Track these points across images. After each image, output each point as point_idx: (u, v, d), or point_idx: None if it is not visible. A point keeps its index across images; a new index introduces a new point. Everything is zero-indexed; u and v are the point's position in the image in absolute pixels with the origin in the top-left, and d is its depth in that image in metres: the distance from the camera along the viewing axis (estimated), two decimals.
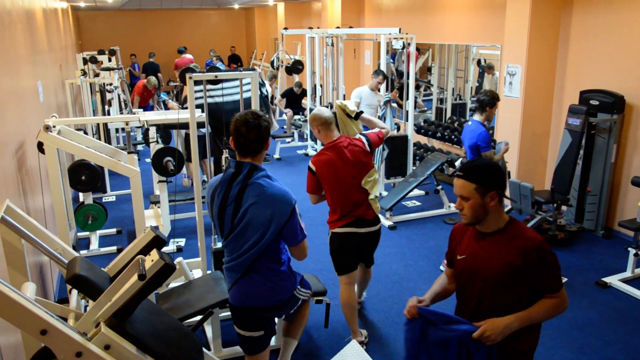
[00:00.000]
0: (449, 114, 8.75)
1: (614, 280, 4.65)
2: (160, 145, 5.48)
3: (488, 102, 4.53)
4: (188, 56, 14.81)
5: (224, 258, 2.73)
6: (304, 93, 10.12)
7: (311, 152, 9.53)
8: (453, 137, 7.96)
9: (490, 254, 2.13)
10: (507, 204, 5.56)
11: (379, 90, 6.93)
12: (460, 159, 7.50)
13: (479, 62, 8.71)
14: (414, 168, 6.81)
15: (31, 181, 4.04)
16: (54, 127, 3.85)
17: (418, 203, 6.76)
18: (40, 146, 4.00)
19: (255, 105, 3.92)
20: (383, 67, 6.97)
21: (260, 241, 2.56)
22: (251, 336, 2.80)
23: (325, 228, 6.03)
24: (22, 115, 4.08)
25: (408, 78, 6.89)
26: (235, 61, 17.49)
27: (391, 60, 9.65)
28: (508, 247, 2.09)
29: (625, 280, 4.65)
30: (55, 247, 2.54)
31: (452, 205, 6.49)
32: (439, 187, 6.41)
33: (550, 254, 2.07)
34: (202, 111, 4.45)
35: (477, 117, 4.62)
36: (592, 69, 5.79)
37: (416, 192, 6.89)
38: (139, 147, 9.31)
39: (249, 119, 2.51)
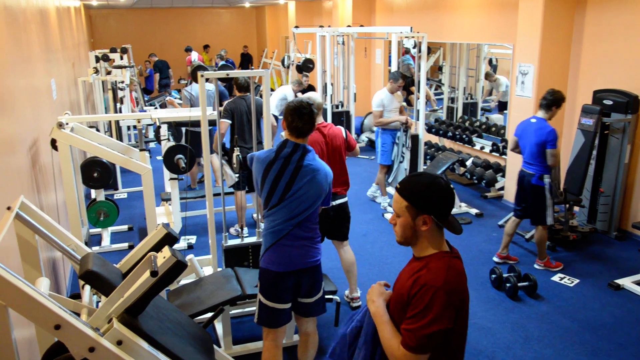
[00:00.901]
0: (460, 113, 8.71)
1: (627, 282, 4.60)
2: (172, 143, 5.50)
3: (554, 101, 4.59)
4: (195, 54, 14.84)
5: (268, 224, 2.93)
6: (311, 88, 10.08)
7: None
8: (464, 136, 7.92)
9: (404, 279, 1.91)
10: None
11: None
12: (472, 158, 7.48)
13: (490, 61, 8.68)
14: (425, 167, 6.78)
15: (44, 178, 4.07)
16: (67, 124, 3.88)
17: None
18: (53, 143, 4.04)
19: (267, 103, 3.92)
20: (394, 66, 6.95)
21: (310, 208, 2.89)
22: (279, 309, 2.95)
23: None
24: (36, 113, 4.11)
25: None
26: (247, 61, 17.46)
27: (411, 63, 9.63)
28: (412, 277, 1.84)
29: (639, 282, 4.61)
30: (69, 243, 2.56)
31: (463, 205, 6.46)
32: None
33: (429, 300, 1.74)
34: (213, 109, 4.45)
35: (541, 114, 4.65)
36: (605, 68, 5.74)
37: None
38: (151, 145, 9.35)
39: (303, 105, 2.85)
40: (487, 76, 8.52)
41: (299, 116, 2.83)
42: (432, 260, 1.85)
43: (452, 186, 1.93)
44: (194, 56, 14.90)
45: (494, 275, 4.61)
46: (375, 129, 10.10)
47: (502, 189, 6.96)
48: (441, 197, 1.84)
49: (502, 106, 8.51)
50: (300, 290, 2.99)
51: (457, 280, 1.82)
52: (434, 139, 8.67)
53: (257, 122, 5.26)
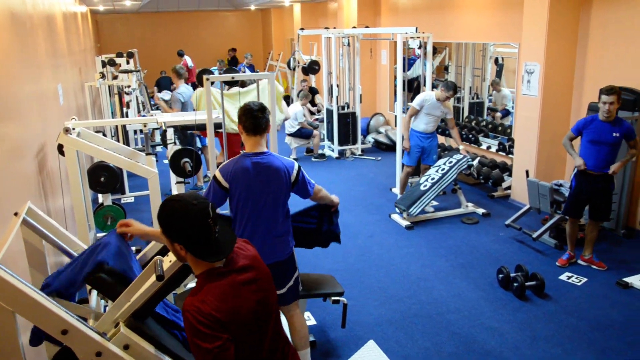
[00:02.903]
0: (466, 113, 8.69)
1: (635, 280, 4.57)
2: (178, 147, 5.52)
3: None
4: (188, 58, 14.70)
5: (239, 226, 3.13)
6: (313, 91, 10.11)
7: (328, 152, 9.53)
8: (470, 136, 7.90)
9: None
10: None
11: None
12: (478, 158, 7.45)
13: (496, 60, 8.64)
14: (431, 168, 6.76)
15: (52, 183, 4.10)
16: (74, 129, 3.91)
17: (435, 203, 6.72)
18: (60, 148, 4.06)
19: (273, 105, 3.93)
20: (400, 66, 6.95)
21: (275, 206, 3.15)
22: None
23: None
24: (43, 118, 4.14)
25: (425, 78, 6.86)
26: (236, 64, 17.23)
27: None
28: None
29: None
30: (75, 248, 2.58)
31: (470, 205, 6.44)
32: (457, 187, 6.37)
33: (189, 326, 1.73)
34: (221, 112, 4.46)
35: None
36: (612, 65, 5.71)
37: None
38: (157, 149, 9.39)
39: (251, 107, 2.99)
40: (493, 84, 8.43)
41: (251, 114, 2.97)
42: (198, 282, 1.84)
43: (208, 212, 1.80)
44: (189, 61, 14.81)
45: (501, 275, 4.60)
46: (381, 129, 10.12)
47: (509, 188, 6.94)
48: (185, 229, 1.78)
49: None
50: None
51: (218, 300, 1.77)
52: (441, 139, 8.63)
53: None
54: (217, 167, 3.13)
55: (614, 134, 4.56)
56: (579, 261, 4.98)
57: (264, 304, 1.94)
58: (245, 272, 1.91)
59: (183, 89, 6.99)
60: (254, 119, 2.95)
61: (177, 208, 1.79)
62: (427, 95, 6.25)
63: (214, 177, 3.02)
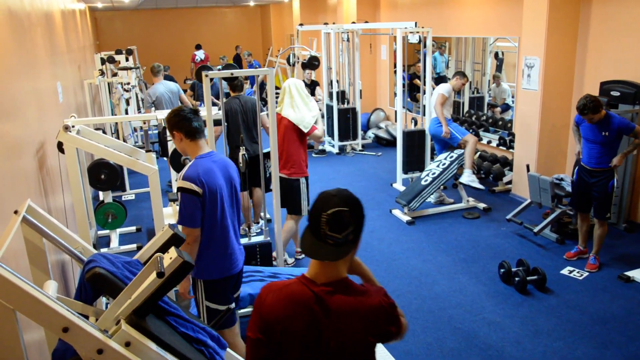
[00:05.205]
0: (466, 108, 8.67)
1: (637, 274, 4.57)
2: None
3: None
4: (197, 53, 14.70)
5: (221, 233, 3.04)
6: (315, 83, 10.09)
7: (329, 148, 9.51)
8: (471, 130, 7.88)
9: None
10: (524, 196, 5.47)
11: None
12: (479, 152, 7.44)
13: (496, 54, 8.62)
14: (432, 162, 6.75)
15: (52, 181, 4.09)
16: (73, 127, 3.90)
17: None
18: (60, 146, 4.05)
19: (272, 101, 3.92)
20: (400, 61, 6.92)
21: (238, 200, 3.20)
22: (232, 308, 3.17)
23: None
24: (42, 116, 4.13)
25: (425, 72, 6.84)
26: (238, 62, 17.04)
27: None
28: None
29: None
30: (76, 245, 2.57)
31: (471, 199, 6.44)
32: (458, 182, 6.36)
33: None
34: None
35: None
36: (612, 59, 5.70)
37: None
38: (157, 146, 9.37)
39: (184, 110, 2.90)
40: (495, 77, 8.44)
41: (190, 119, 2.85)
42: None
43: None
44: (200, 54, 14.82)
45: (502, 270, 4.60)
46: (382, 124, 10.11)
47: (509, 182, 6.93)
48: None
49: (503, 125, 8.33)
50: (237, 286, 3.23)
51: (274, 301, 1.76)
52: None
53: (254, 121, 5.24)
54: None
55: (603, 134, 4.51)
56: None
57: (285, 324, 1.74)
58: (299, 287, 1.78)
59: (159, 87, 7.05)
60: (194, 122, 2.83)
61: None
62: (449, 86, 6.28)
63: (182, 189, 2.77)
